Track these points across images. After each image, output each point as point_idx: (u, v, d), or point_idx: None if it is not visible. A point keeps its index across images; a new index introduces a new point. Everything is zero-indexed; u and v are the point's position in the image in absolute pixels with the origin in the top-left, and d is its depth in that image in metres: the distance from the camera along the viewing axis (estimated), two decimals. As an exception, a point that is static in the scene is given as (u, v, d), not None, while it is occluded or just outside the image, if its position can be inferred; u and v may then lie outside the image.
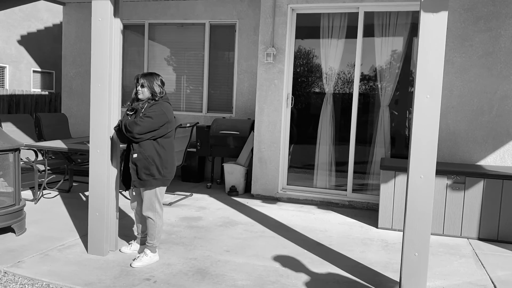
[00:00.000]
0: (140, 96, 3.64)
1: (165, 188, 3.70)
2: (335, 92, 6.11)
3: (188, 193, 6.34)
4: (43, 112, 10.25)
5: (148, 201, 3.62)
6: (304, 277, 3.50)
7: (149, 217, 3.64)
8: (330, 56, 6.08)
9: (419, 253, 3.12)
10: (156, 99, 3.62)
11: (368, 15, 5.85)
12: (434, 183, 3.07)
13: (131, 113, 3.65)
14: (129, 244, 3.96)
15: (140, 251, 3.85)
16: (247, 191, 6.59)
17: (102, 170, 3.71)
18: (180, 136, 5.74)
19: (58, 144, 5.61)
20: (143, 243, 3.86)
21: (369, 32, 5.89)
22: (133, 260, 3.65)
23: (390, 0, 5.59)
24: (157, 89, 3.61)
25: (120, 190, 6.22)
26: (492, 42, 5.27)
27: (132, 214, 5.15)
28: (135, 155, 3.55)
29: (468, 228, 4.73)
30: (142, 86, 3.61)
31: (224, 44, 7.43)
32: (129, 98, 3.85)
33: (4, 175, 4.28)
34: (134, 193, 3.82)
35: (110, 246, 3.86)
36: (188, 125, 5.83)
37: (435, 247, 4.41)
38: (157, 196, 3.63)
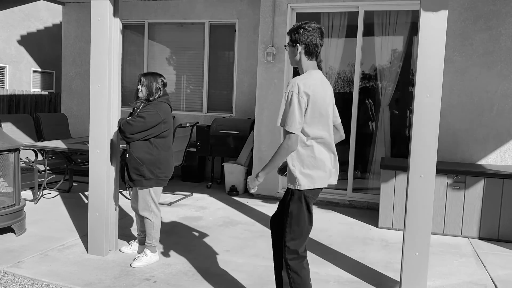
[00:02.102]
0: (139, 95, 3.67)
1: (160, 188, 3.68)
2: (335, 91, 6.10)
3: (188, 193, 6.34)
4: (43, 112, 10.25)
5: (143, 201, 3.62)
6: (305, 277, 3.50)
7: (145, 217, 3.64)
8: (330, 55, 6.08)
9: (420, 252, 3.12)
10: (151, 99, 3.63)
11: (368, 14, 5.85)
12: (434, 183, 3.07)
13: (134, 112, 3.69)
14: (129, 244, 3.96)
15: (140, 251, 3.85)
16: (247, 190, 6.59)
17: (102, 170, 3.70)
18: (180, 136, 5.74)
19: (58, 144, 5.60)
20: (142, 242, 3.85)
21: (369, 31, 5.88)
22: (133, 260, 3.65)
23: (390, -1, 5.59)
24: (154, 89, 3.62)
25: (120, 190, 6.22)
26: (493, 41, 5.26)
27: (132, 214, 5.15)
28: (127, 155, 3.59)
29: (469, 227, 4.72)
30: (142, 85, 3.64)
31: (224, 44, 7.42)
32: (129, 98, 3.86)
33: (4, 175, 4.27)
34: (132, 193, 3.81)
35: (110, 246, 3.86)
36: (188, 124, 5.82)
37: (436, 246, 4.41)
38: (151, 196, 3.63)
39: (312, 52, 2.51)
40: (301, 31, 2.48)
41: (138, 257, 3.65)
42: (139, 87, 3.66)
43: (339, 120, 2.72)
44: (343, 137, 2.77)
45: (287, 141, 2.40)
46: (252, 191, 2.54)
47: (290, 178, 2.50)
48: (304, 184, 2.45)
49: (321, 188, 2.54)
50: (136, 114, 3.57)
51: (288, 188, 2.53)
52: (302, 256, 2.52)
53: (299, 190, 2.46)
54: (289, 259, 2.50)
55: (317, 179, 2.48)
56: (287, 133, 2.42)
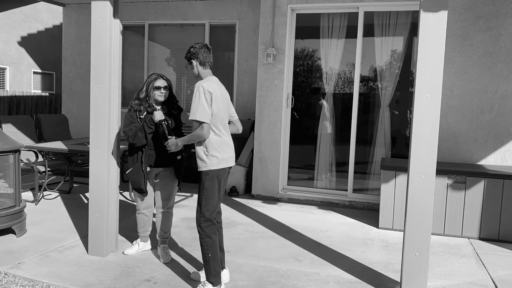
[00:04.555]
0: (162, 99, 3.62)
1: None
2: (335, 92, 6.10)
3: (188, 194, 6.34)
4: (43, 113, 10.25)
5: (173, 196, 3.80)
6: (305, 278, 3.50)
7: (169, 211, 3.79)
8: (330, 56, 6.08)
9: (420, 253, 3.12)
10: (177, 103, 3.79)
11: (368, 15, 5.85)
12: (434, 183, 3.07)
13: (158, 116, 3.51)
14: (133, 244, 3.96)
15: (163, 249, 3.80)
16: (247, 191, 6.59)
17: (102, 171, 3.71)
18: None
19: (58, 145, 5.61)
20: (165, 242, 3.84)
21: (369, 32, 5.88)
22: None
23: (390, 0, 5.59)
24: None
25: (121, 191, 6.22)
26: (492, 41, 5.26)
27: (132, 215, 5.14)
28: (179, 157, 3.72)
29: (469, 228, 4.72)
30: (166, 87, 3.64)
31: (224, 45, 7.42)
32: (129, 99, 3.85)
33: (4, 176, 4.28)
34: (143, 196, 3.79)
35: (110, 247, 3.86)
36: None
37: (436, 247, 4.41)
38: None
39: (204, 63, 3.15)
40: (191, 49, 3.13)
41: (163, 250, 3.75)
42: (163, 91, 3.59)
43: (236, 116, 3.33)
44: (240, 130, 3.38)
45: (200, 130, 2.96)
46: (170, 150, 3.27)
47: (200, 162, 3.07)
48: (215, 164, 3.04)
49: (228, 167, 3.15)
50: (183, 123, 3.71)
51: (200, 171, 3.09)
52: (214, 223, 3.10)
53: (213, 170, 3.04)
54: (204, 226, 3.05)
55: (223, 160, 3.07)
56: (199, 123, 2.96)
